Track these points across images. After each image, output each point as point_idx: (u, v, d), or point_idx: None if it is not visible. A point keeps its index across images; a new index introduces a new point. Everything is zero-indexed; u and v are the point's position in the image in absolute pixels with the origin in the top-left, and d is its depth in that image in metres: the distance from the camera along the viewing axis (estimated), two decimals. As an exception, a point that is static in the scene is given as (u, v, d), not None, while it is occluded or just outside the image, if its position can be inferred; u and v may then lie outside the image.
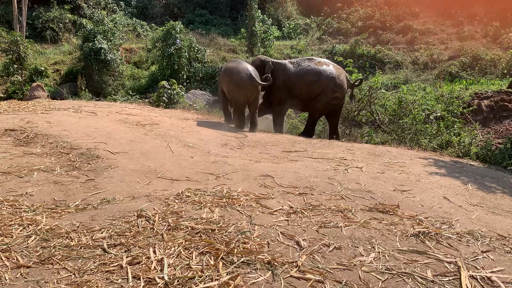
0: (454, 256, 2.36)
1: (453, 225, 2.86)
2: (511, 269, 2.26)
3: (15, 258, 2.14)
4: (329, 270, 2.13)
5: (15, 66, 13.71)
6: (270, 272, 2.07)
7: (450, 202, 3.44)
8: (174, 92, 9.88)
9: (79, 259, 2.16)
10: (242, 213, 2.89)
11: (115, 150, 4.52)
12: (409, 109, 8.07)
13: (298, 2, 24.12)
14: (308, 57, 7.43)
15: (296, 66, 7.11)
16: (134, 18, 20.60)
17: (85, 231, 2.51)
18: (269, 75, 6.81)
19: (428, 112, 8.15)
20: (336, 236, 2.54)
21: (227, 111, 7.31)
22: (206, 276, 1.99)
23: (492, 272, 2.20)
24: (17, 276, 1.99)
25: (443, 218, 3.00)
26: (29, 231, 2.47)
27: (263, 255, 2.22)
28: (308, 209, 3.02)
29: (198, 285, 1.92)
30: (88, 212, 2.87)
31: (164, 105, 9.58)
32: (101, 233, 2.48)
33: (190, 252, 2.26)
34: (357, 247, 2.40)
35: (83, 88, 13.34)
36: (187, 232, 2.51)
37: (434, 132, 7.43)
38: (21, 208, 2.86)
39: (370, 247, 2.41)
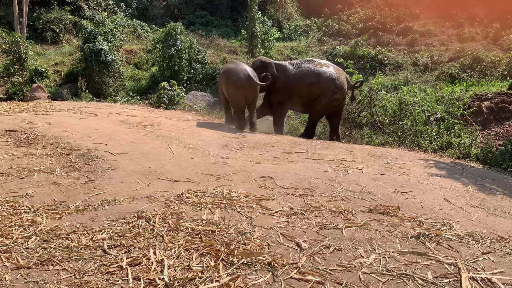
0: (455, 257, 2.35)
1: (453, 227, 2.86)
2: (511, 271, 2.26)
3: (15, 259, 2.14)
4: (329, 271, 2.13)
5: (16, 67, 13.71)
6: (270, 273, 2.07)
7: (450, 204, 3.44)
8: (175, 93, 9.88)
9: (79, 260, 2.16)
10: (242, 214, 2.89)
11: (115, 151, 4.52)
12: (409, 111, 8.07)
13: (298, 3, 24.12)
14: (308, 59, 7.44)
15: (296, 67, 7.12)
16: (134, 19, 20.61)
17: (85, 232, 2.51)
18: (268, 74, 6.81)
19: (428, 114, 8.15)
20: (336, 238, 2.54)
21: (228, 112, 7.32)
22: (206, 278, 1.99)
23: (492, 273, 2.20)
24: (17, 277, 1.99)
25: (444, 220, 3.00)
26: (29, 232, 2.47)
27: (263, 257, 2.22)
28: (308, 210, 3.02)
29: (198, 287, 1.92)
30: (88, 213, 2.87)
31: (165, 106, 9.58)
32: (101, 234, 2.48)
33: (190, 253, 2.26)
34: (358, 249, 2.40)
35: (84, 89, 13.34)
36: (188, 233, 2.51)
37: (434, 133, 7.43)
38: (22, 209, 2.86)
39: (371, 249, 2.41)
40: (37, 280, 1.97)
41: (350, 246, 2.43)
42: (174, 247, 2.31)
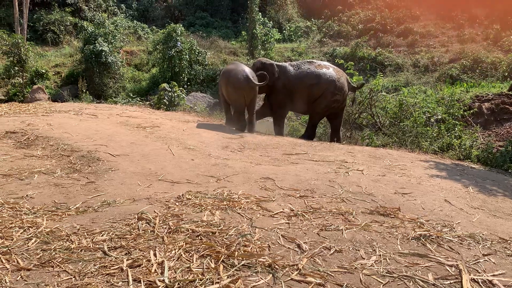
0: (455, 259, 2.35)
1: (454, 228, 2.86)
2: (512, 273, 2.26)
3: (16, 261, 2.13)
4: (330, 273, 2.12)
5: (16, 68, 13.74)
6: (271, 275, 2.07)
7: (451, 205, 3.44)
8: (175, 94, 9.88)
9: (80, 261, 2.16)
10: (242, 216, 2.88)
11: (115, 152, 4.52)
12: (409, 112, 8.07)
13: (298, 5, 24.15)
14: (308, 60, 7.44)
15: (296, 69, 7.12)
16: (135, 21, 20.65)
17: (85, 233, 2.50)
18: (265, 73, 6.82)
19: (429, 115, 8.15)
20: (337, 239, 2.54)
21: (228, 114, 7.33)
22: (207, 279, 1.99)
23: (493, 275, 2.20)
24: (18, 279, 1.98)
25: (444, 221, 2.99)
26: (30, 234, 2.46)
27: (264, 258, 2.21)
28: (309, 212, 3.01)
29: (198, 288, 1.92)
30: (88, 214, 2.86)
31: (165, 107, 9.59)
32: (102, 235, 2.47)
33: (190, 255, 2.25)
34: (358, 250, 2.40)
35: (84, 90, 13.36)
36: (188, 235, 2.51)
37: (435, 134, 7.42)
38: (22, 211, 2.86)
39: (371, 250, 2.41)
40: (37, 282, 1.96)
41: (350, 248, 2.43)
42: (175, 249, 2.30)
